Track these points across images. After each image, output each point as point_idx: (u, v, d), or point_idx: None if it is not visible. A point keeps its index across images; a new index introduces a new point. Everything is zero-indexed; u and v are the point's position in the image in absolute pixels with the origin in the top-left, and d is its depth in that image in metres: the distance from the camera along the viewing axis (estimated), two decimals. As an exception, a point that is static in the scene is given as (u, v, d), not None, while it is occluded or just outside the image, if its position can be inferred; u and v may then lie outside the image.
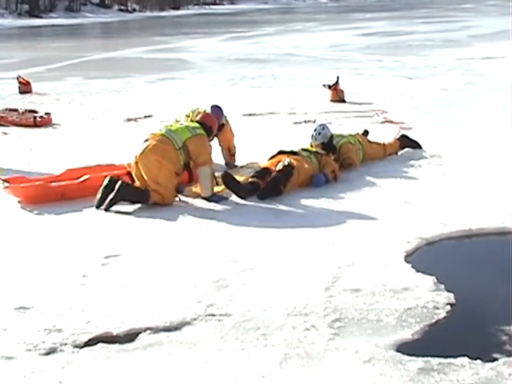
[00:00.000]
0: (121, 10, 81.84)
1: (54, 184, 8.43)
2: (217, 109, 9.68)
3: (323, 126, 9.69)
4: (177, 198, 8.13)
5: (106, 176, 8.21)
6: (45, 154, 10.70)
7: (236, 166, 9.64)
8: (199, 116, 8.86)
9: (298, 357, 4.58)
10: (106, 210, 7.78)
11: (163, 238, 6.93)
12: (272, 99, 16.25)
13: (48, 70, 24.15)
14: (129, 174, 8.39)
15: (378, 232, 6.93)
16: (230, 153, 9.83)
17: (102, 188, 7.92)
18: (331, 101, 15.69)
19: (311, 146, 9.47)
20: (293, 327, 4.98)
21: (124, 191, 7.80)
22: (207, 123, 8.62)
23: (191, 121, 9.02)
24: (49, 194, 8.18)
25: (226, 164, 9.77)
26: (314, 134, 9.54)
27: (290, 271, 6.00)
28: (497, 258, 6.67)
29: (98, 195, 7.87)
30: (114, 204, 7.80)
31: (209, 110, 9.60)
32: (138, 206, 7.97)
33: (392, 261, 6.20)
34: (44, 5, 74.64)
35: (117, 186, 7.80)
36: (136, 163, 8.04)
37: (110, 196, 7.78)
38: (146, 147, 7.98)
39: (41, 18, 69.18)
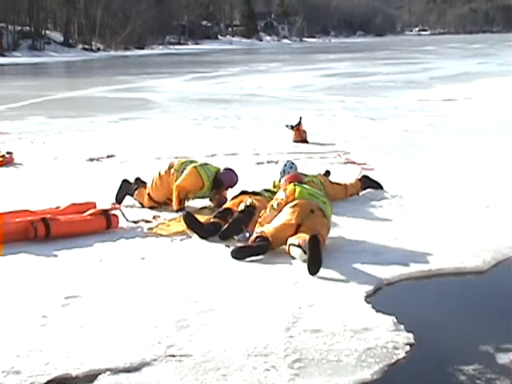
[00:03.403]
0: (85, 49, 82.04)
1: None
2: (230, 172, 9.74)
3: (291, 163, 9.76)
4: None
5: (18, 222, 8.08)
6: (6, 194, 10.63)
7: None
8: None
9: (257, 398, 4.58)
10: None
11: (124, 278, 6.89)
12: (235, 140, 16.30)
13: (10, 108, 24.07)
14: (43, 219, 8.17)
15: (339, 272, 6.94)
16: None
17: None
18: (294, 141, 15.75)
19: (274, 186, 9.50)
20: (253, 368, 4.98)
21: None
22: None
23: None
24: None
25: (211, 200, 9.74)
26: (282, 169, 9.58)
27: (251, 311, 6.00)
28: (456, 298, 6.73)
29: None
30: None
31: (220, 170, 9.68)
32: (99, 244, 7.99)
33: (352, 301, 6.22)
34: (7, 43, 74.54)
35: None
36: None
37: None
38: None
39: (4, 56, 69.07)
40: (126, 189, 9.90)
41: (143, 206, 9.68)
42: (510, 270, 7.23)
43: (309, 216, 7.70)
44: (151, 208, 9.58)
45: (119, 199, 9.82)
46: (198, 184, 9.48)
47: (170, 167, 9.75)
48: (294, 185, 8.20)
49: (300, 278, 6.79)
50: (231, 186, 9.70)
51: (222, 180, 9.62)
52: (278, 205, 7.97)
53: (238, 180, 9.76)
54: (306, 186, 8.36)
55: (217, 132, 17.81)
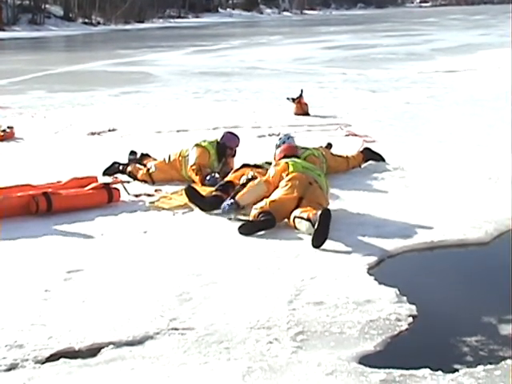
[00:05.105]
0: (85, 23, 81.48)
1: None
2: (229, 134, 9.93)
3: (288, 136, 9.69)
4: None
5: (20, 197, 8.08)
6: (7, 169, 10.62)
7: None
8: None
9: (260, 370, 4.58)
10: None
11: (126, 252, 6.90)
12: (236, 113, 16.25)
13: (11, 83, 23.98)
14: (45, 194, 8.17)
15: (341, 245, 6.95)
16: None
17: None
18: (295, 114, 15.70)
19: (274, 158, 9.45)
20: (256, 340, 4.99)
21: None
22: None
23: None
24: None
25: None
26: (279, 143, 9.51)
27: (254, 284, 6.01)
28: (458, 269, 6.73)
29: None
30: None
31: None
32: (100, 217, 7.99)
33: (355, 273, 6.23)
34: (7, 17, 74.14)
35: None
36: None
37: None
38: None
39: (4, 30, 68.68)
40: (116, 169, 9.96)
41: (136, 179, 9.65)
42: (512, 241, 7.22)
43: (308, 188, 7.70)
44: (146, 182, 9.57)
45: (108, 172, 9.89)
46: (206, 154, 9.53)
47: (180, 154, 9.71)
48: (286, 162, 8.15)
49: (302, 251, 6.79)
50: (235, 146, 9.80)
51: (224, 141, 9.74)
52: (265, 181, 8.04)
53: (239, 140, 9.87)
54: (297, 160, 8.32)
55: (218, 105, 17.75)
